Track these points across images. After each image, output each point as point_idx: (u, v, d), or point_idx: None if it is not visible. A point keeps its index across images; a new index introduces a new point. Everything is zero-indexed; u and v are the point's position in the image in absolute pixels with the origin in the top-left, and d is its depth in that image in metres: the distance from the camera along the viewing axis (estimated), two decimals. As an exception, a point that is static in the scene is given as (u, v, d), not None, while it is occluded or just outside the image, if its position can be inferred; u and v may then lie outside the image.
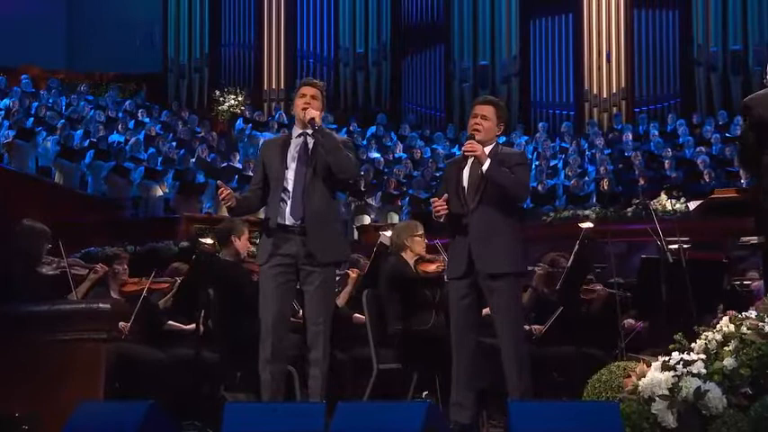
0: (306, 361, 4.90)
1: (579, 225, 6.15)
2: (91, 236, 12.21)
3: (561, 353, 6.06)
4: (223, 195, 4.81)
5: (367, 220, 13.53)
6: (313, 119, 4.81)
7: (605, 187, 13.86)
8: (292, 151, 4.89)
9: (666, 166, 14.80)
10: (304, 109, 4.86)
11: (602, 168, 14.85)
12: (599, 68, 19.02)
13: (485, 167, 4.87)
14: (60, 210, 12.81)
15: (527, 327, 6.55)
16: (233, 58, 20.48)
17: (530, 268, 6.12)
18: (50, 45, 20.02)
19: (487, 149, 5.00)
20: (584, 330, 6.12)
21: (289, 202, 4.81)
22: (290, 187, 4.83)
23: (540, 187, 14.13)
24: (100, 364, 4.68)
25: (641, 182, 13.73)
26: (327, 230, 4.80)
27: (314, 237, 4.76)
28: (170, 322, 6.28)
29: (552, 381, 6.06)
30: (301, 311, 5.15)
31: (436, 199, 4.95)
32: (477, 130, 4.99)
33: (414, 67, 20.07)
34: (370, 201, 14.03)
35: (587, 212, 11.47)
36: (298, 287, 4.90)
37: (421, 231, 6.08)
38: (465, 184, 5.00)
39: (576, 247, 5.65)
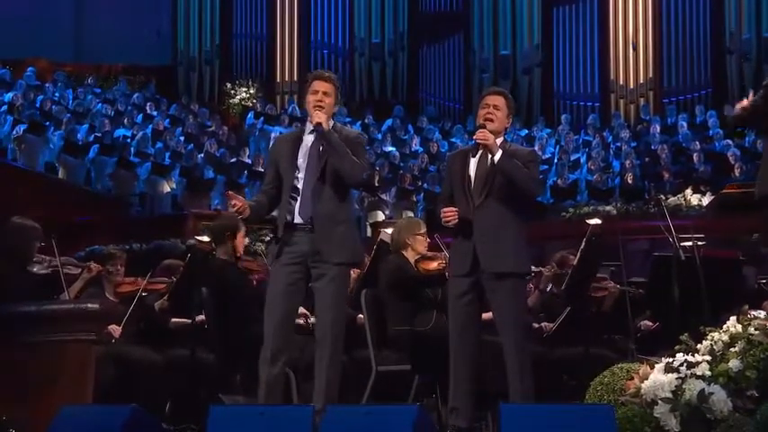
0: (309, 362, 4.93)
1: (587, 222, 6.14)
2: (96, 234, 12.33)
3: (571, 354, 6.05)
4: (237, 208, 4.85)
5: (381, 216, 13.54)
6: (320, 124, 4.83)
7: (630, 182, 13.80)
8: (304, 149, 4.92)
9: (695, 159, 14.72)
10: (316, 107, 4.88)
11: (627, 162, 14.78)
12: (625, 58, 18.93)
13: (497, 157, 4.88)
14: (65, 207, 12.93)
15: (536, 325, 6.58)
16: (245, 50, 20.55)
17: (537, 269, 6.13)
18: (58, 37, 20.13)
19: (497, 142, 5.01)
20: (595, 331, 6.11)
21: (298, 201, 4.86)
22: (300, 186, 4.87)
23: (560, 181, 14.11)
24: (89, 365, 4.74)
25: (666, 176, 13.66)
26: (337, 230, 4.83)
27: (322, 235, 4.80)
28: (174, 320, 6.33)
29: (562, 383, 6.05)
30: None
31: (449, 208, 4.95)
32: (491, 120, 5.00)
33: (432, 57, 20.04)
34: (384, 196, 14.06)
35: (608, 208, 11.42)
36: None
37: (423, 230, 6.06)
38: (472, 177, 5.00)
39: (583, 244, 5.64)
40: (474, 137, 5.01)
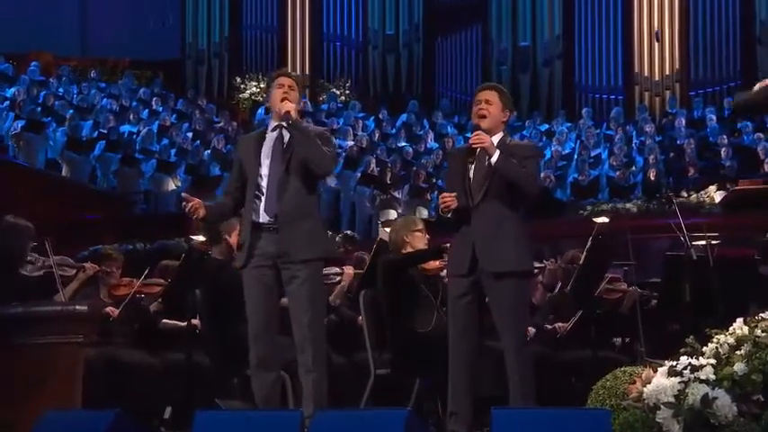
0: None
1: (594, 220, 6.14)
2: (99, 233, 12.41)
3: (580, 357, 6.06)
4: (188, 209, 4.93)
5: (393, 214, 13.53)
6: (288, 113, 4.89)
7: (653, 178, 13.75)
8: (267, 146, 4.98)
9: (723, 154, 14.64)
10: (282, 100, 4.93)
11: (651, 157, 14.72)
12: (650, 48, 18.84)
13: (494, 159, 4.90)
14: (67, 206, 13.04)
15: (549, 326, 6.59)
16: (255, 42, 20.63)
17: (540, 264, 6.14)
18: (63, 31, 20.25)
19: (495, 139, 5.04)
20: (607, 333, 6.12)
21: (263, 199, 4.90)
22: (263, 184, 4.92)
23: (580, 178, 14.09)
24: (77, 368, 4.78)
25: (691, 172, 13.62)
26: (302, 227, 4.87)
27: (288, 234, 4.84)
28: (165, 321, 6.37)
29: (571, 386, 6.06)
30: None
31: (446, 194, 4.98)
32: (484, 116, 5.04)
33: (448, 48, 20.04)
34: (396, 194, 14.07)
35: (628, 206, 11.39)
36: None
37: (420, 226, 6.09)
38: (471, 175, 5.02)
39: (589, 243, 5.64)
40: (470, 140, 5.03)
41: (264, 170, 4.93)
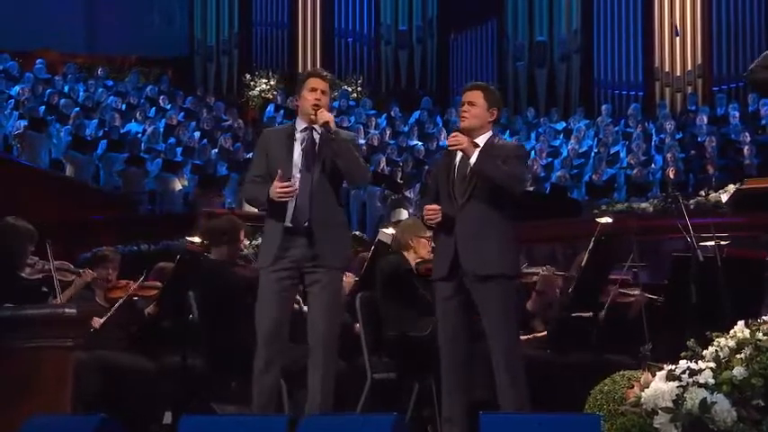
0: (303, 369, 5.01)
1: (597, 220, 6.13)
2: (103, 234, 12.48)
3: (586, 360, 6.05)
4: (288, 190, 4.84)
5: (404, 214, 13.50)
6: (327, 123, 4.88)
7: (672, 176, 13.69)
8: (298, 148, 4.98)
9: (746, 152, 14.56)
10: (316, 106, 4.93)
11: (669, 155, 14.68)
12: (671, 43, 18.77)
13: (472, 160, 4.93)
14: (71, 206, 13.12)
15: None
16: (265, 39, 20.68)
17: (535, 269, 6.15)
18: (69, 27, 20.33)
19: (481, 139, 5.07)
20: (614, 338, 6.11)
21: (293, 203, 4.91)
22: (296, 186, 4.90)
23: (595, 177, 14.07)
24: (66, 373, 4.78)
25: (711, 170, 13.58)
26: (334, 233, 4.94)
27: (321, 239, 4.89)
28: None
29: (575, 390, 6.05)
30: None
31: (430, 207, 5.01)
32: (465, 118, 5.07)
33: (463, 44, 20.06)
34: (408, 194, 14.08)
35: (644, 205, 11.34)
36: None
37: (429, 234, 6.10)
38: (455, 177, 5.07)
39: (591, 245, 5.63)
40: (447, 142, 5.07)
41: (296, 173, 4.93)
